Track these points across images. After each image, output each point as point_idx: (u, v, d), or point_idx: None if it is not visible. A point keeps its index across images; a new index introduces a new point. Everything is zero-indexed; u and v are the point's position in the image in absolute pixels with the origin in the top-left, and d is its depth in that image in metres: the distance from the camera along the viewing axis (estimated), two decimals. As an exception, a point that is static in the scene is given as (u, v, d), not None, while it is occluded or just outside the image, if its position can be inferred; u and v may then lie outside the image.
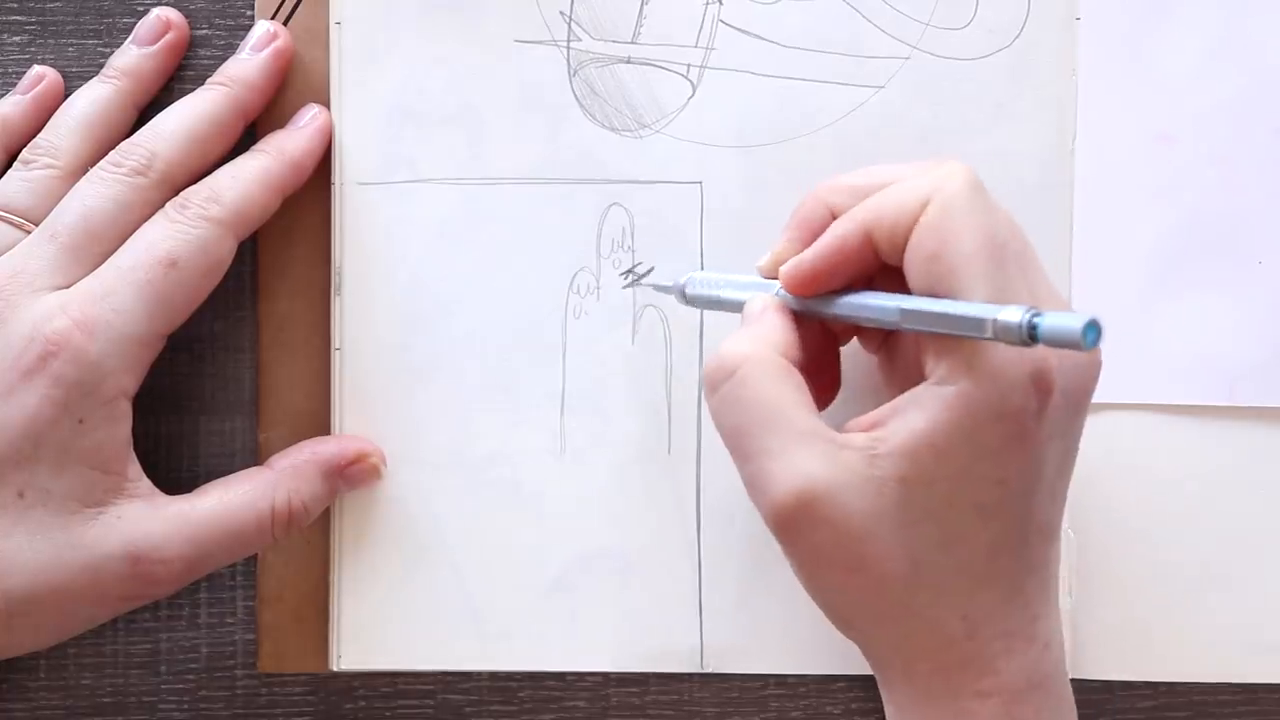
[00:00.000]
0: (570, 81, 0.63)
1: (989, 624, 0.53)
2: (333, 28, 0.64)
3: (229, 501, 0.60)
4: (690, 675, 0.65)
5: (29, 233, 0.60)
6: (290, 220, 0.63)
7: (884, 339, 0.58)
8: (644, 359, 0.63)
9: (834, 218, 0.55)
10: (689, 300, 0.60)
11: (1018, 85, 0.63)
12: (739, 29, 0.63)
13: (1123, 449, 0.63)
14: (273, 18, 0.64)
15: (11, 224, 0.61)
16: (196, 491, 0.61)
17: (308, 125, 0.63)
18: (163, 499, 0.60)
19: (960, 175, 0.52)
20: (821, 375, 0.57)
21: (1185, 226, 0.63)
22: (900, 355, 0.57)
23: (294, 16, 0.64)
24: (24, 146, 0.63)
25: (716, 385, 0.54)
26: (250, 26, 0.64)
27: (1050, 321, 0.47)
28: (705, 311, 0.63)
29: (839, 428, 0.53)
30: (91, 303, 0.58)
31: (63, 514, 0.58)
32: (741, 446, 0.53)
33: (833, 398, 0.59)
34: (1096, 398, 0.62)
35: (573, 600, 0.64)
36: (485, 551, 0.64)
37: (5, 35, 0.65)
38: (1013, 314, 0.48)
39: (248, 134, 0.63)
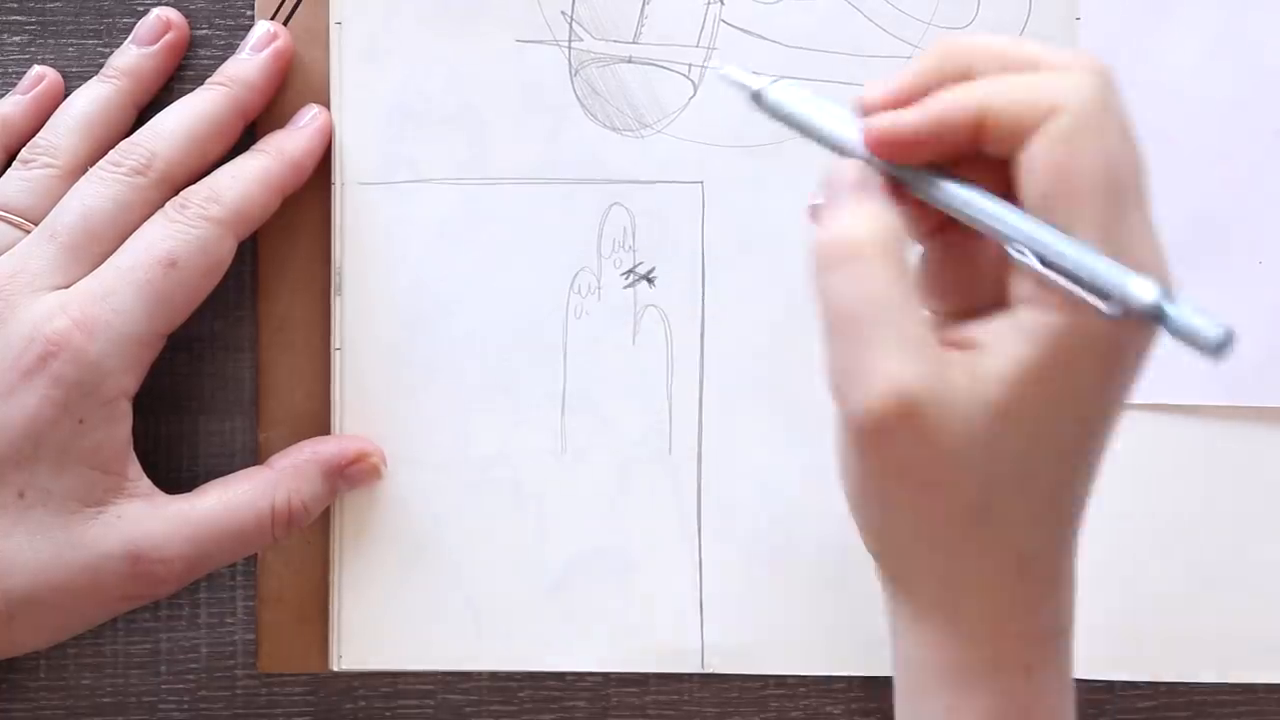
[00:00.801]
0: (571, 81, 0.63)
1: (1039, 563, 0.51)
2: (333, 28, 0.64)
3: (229, 501, 0.60)
4: (690, 675, 0.65)
5: (28, 232, 0.60)
6: (290, 220, 0.63)
7: (944, 228, 0.53)
8: (645, 359, 0.63)
9: (958, 80, 0.50)
10: (767, 108, 0.53)
11: (1018, 85, 0.63)
12: (740, 29, 0.63)
13: (1123, 449, 0.63)
14: (273, 18, 0.64)
15: (11, 224, 0.61)
16: (196, 491, 0.61)
17: (308, 125, 0.63)
18: (163, 498, 0.60)
19: (1096, 84, 0.49)
20: None
21: (1185, 226, 0.63)
22: (971, 246, 0.52)
23: (294, 16, 0.64)
24: (24, 146, 0.63)
25: (837, 265, 0.49)
26: (250, 26, 0.64)
27: (1184, 317, 0.45)
28: (707, 310, 0.63)
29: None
30: (91, 302, 0.58)
31: (63, 514, 0.58)
32: (850, 333, 0.49)
33: None
34: (1097, 398, 0.62)
35: (573, 600, 0.64)
36: (485, 551, 0.64)
37: (5, 35, 0.65)
38: (1144, 289, 0.45)
39: (248, 134, 0.63)
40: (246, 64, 0.63)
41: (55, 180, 0.61)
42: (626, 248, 0.63)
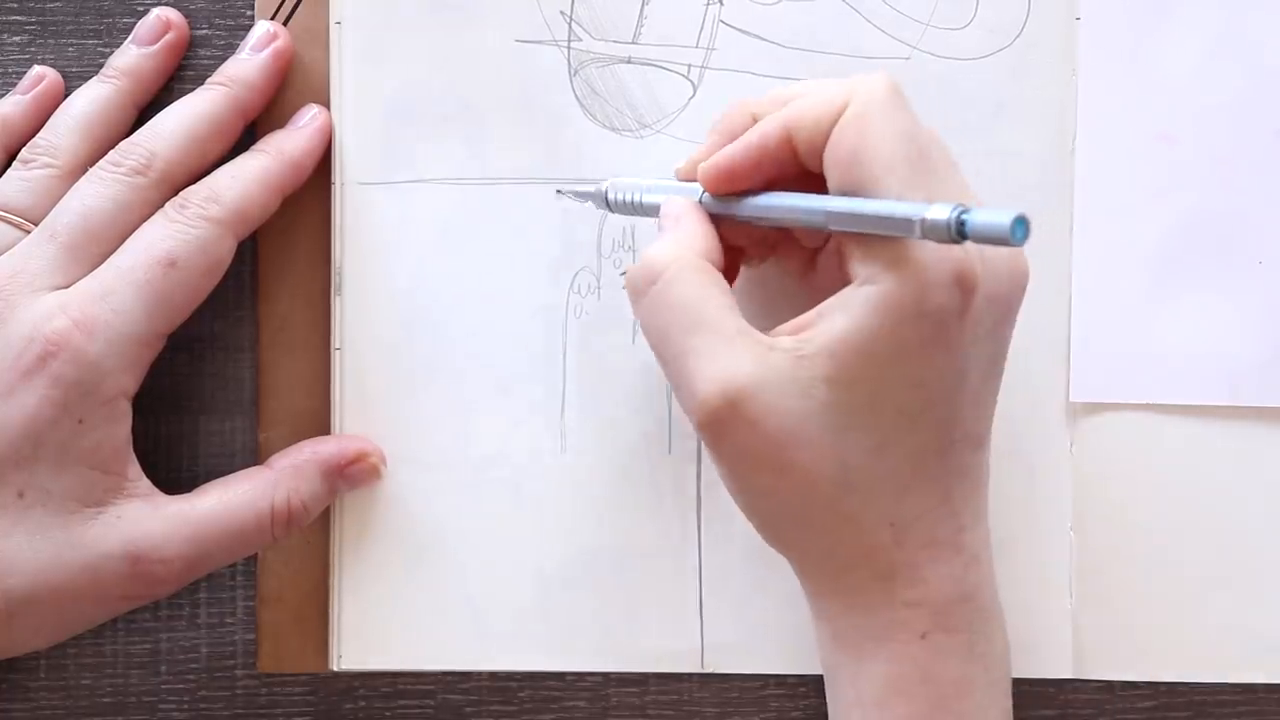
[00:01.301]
0: (571, 81, 0.63)
1: (916, 532, 0.53)
2: (333, 28, 0.64)
3: (229, 501, 0.60)
4: (690, 675, 0.65)
5: (28, 232, 0.60)
6: (290, 220, 0.63)
7: (806, 257, 0.58)
8: (644, 359, 0.63)
9: (755, 123, 0.55)
10: (611, 206, 0.60)
11: (1018, 85, 0.63)
12: (739, 29, 0.63)
13: (1123, 449, 0.63)
14: (273, 18, 0.64)
15: (11, 224, 0.61)
16: (196, 491, 0.61)
17: (307, 125, 0.63)
18: (162, 498, 0.60)
19: (880, 81, 0.53)
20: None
21: (1185, 226, 0.63)
22: (823, 272, 0.57)
23: (294, 16, 0.64)
24: (24, 146, 0.63)
25: (643, 290, 0.54)
26: (250, 26, 0.64)
27: (979, 217, 0.47)
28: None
29: (767, 333, 0.52)
30: (91, 302, 0.58)
31: (62, 514, 0.58)
32: (668, 348, 0.53)
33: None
34: (1096, 398, 0.62)
35: (573, 600, 0.64)
36: (485, 551, 0.64)
37: (5, 35, 0.65)
38: (940, 211, 0.48)
39: (248, 134, 0.63)
40: (246, 64, 0.63)
41: (55, 180, 0.61)
42: (626, 248, 0.63)
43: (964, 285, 0.51)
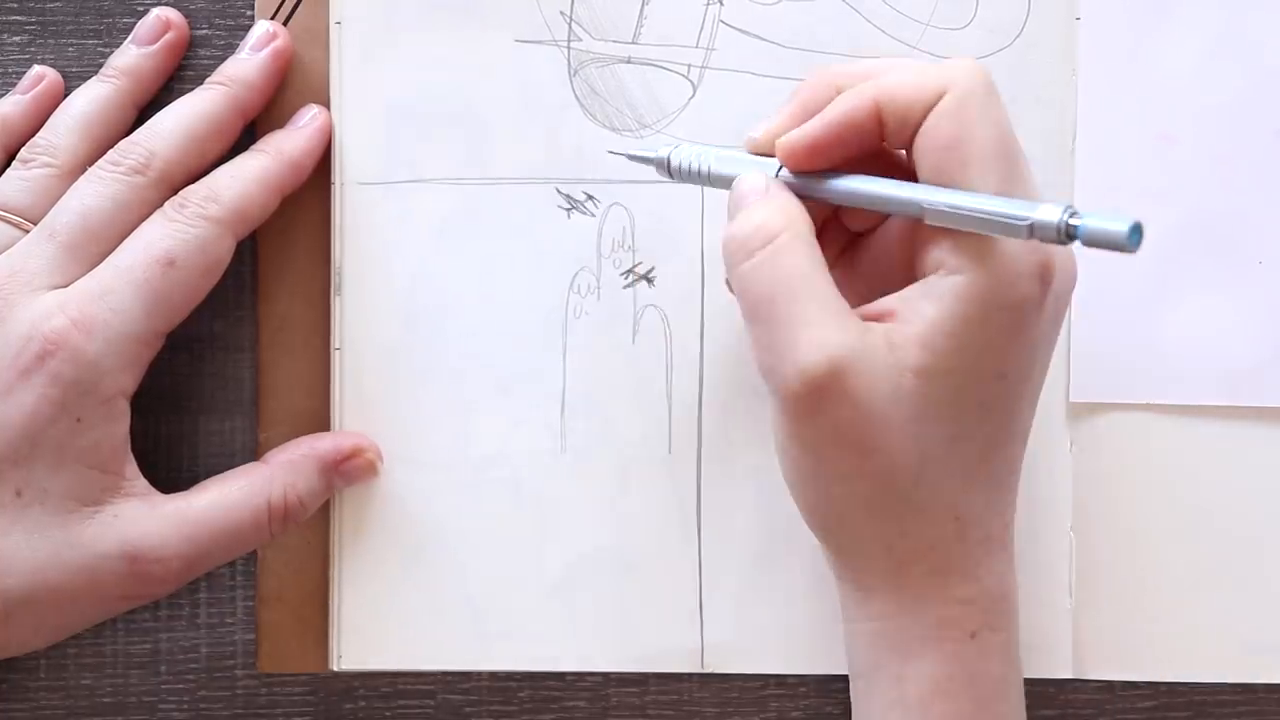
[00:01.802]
0: (571, 81, 0.63)
1: (975, 526, 0.54)
2: (333, 28, 0.64)
3: (226, 498, 0.60)
4: (690, 675, 0.65)
5: (27, 232, 0.60)
6: (290, 220, 0.63)
7: (847, 240, 0.58)
8: (644, 358, 0.63)
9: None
10: (673, 173, 0.58)
11: (1018, 85, 0.63)
12: (739, 29, 0.63)
13: (1123, 449, 0.63)
14: (273, 18, 0.64)
15: (10, 223, 0.61)
16: (193, 489, 0.61)
17: (307, 125, 0.63)
18: (159, 498, 0.60)
19: (978, 70, 0.52)
20: None
21: (1185, 226, 0.63)
22: (872, 256, 0.57)
23: (294, 16, 0.64)
24: (23, 146, 0.63)
25: (751, 251, 0.53)
26: (250, 26, 0.64)
27: (1093, 222, 0.47)
28: (707, 310, 0.63)
29: None
30: (89, 301, 0.58)
31: (60, 513, 0.58)
32: (772, 313, 0.52)
33: None
34: (1097, 398, 0.63)
35: (573, 600, 0.64)
36: (485, 551, 0.64)
37: (5, 35, 0.65)
38: (1050, 213, 0.48)
39: (247, 134, 0.63)
40: (245, 63, 0.63)
41: (55, 180, 0.61)
42: (626, 247, 0.63)
43: (1045, 278, 0.51)
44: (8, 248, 0.60)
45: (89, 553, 0.58)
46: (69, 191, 0.60)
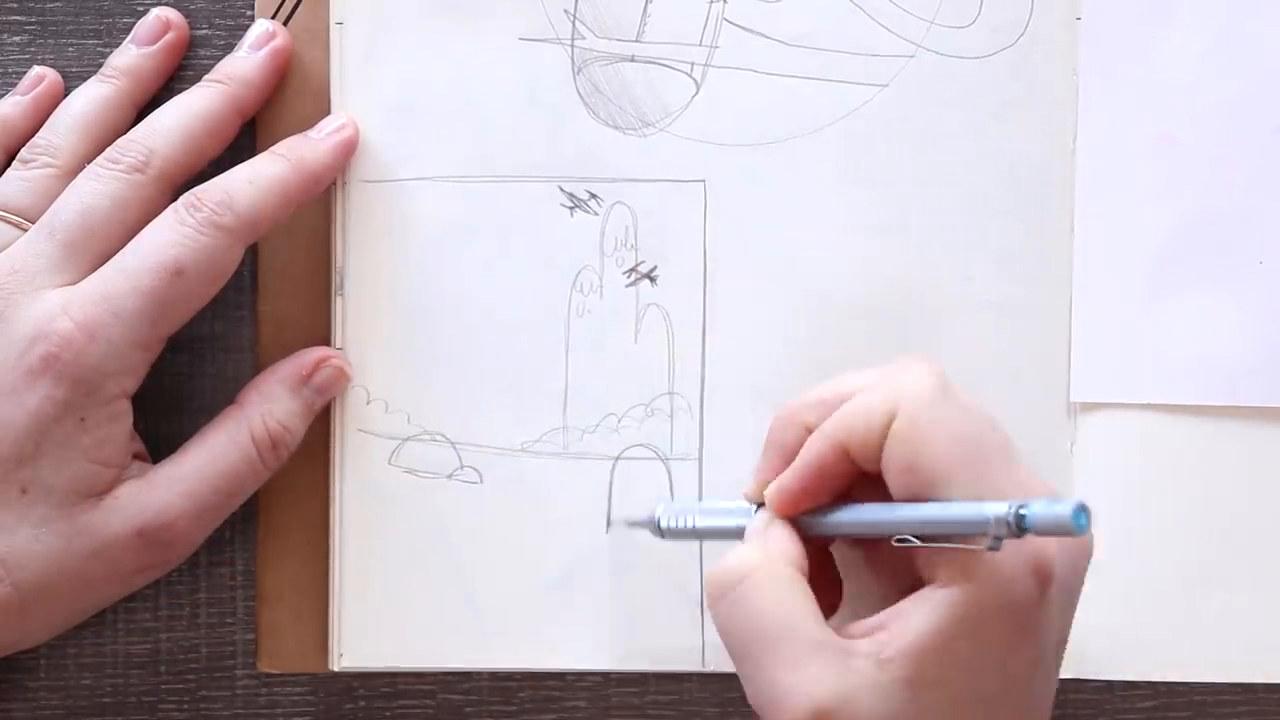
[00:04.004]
0: (574, 79, 0.63)
1: None
2: (334, 27, 0.64)
3: (211, 447, 0.61)
4: (690, 675, 0.65)
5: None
6: (291, 220, 0.63)
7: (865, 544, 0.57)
8: (646, 358, 0.63)
9: (808, 433, 0.55)
10: (665, 534, 0.59)
11: (1021, 84, 0.63)
12: (743, 27, 0.63)
13: (1123, 449, 0.63)
14: (273, 18, 0.64)
15: (10, 223, 0.61)
16: (179, 451, 0.61)
17: (332, 136, 0.62)
18: (152, 469, 0.60)
19: (924, 379, 0.52)
20: (825, 583, 0.56)
21: (1186, 226, 0.63)
22: (886, 550, 0.56)
23: (294, 16, 0.64)
24: (24, 146, 0.63)
25: (724, 593, 0.53)
26: (250, 27, 0.64)
27: (1037, 510, 0.48)
28: (709, 309, 0.63)
29: (840, 630, 0.52)
30: (94, 304, 0.58)
31: (65, 505, 0.58)
32: (751, 656, 0.52)
33: (838, 603, 0.57)
34: (1097, 398, 0.63)
35: (573, 600, 0.63)
36: (486, 551, 0.64)
37: (5, 35, 0.65)
38: (998, 508, 0.48)
39: (246, 132, 0.63)
40: (244, 62, 0.63)
41: (55, 180, 0.61)
42: (629, 246, 0.63)
43: (1041, 575, 0.50)
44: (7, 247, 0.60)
45: (99, 538, 0.58)
46: (68, 190, 0.60)
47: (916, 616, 0.50)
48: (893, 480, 0.52)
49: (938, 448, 0.51)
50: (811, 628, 0.51)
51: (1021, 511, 0.48)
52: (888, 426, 0.52)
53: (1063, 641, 0.54)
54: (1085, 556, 0.53)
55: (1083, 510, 0.47)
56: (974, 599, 0.50)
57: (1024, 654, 0.51)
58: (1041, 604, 0.51)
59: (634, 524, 0.61)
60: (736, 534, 0.56)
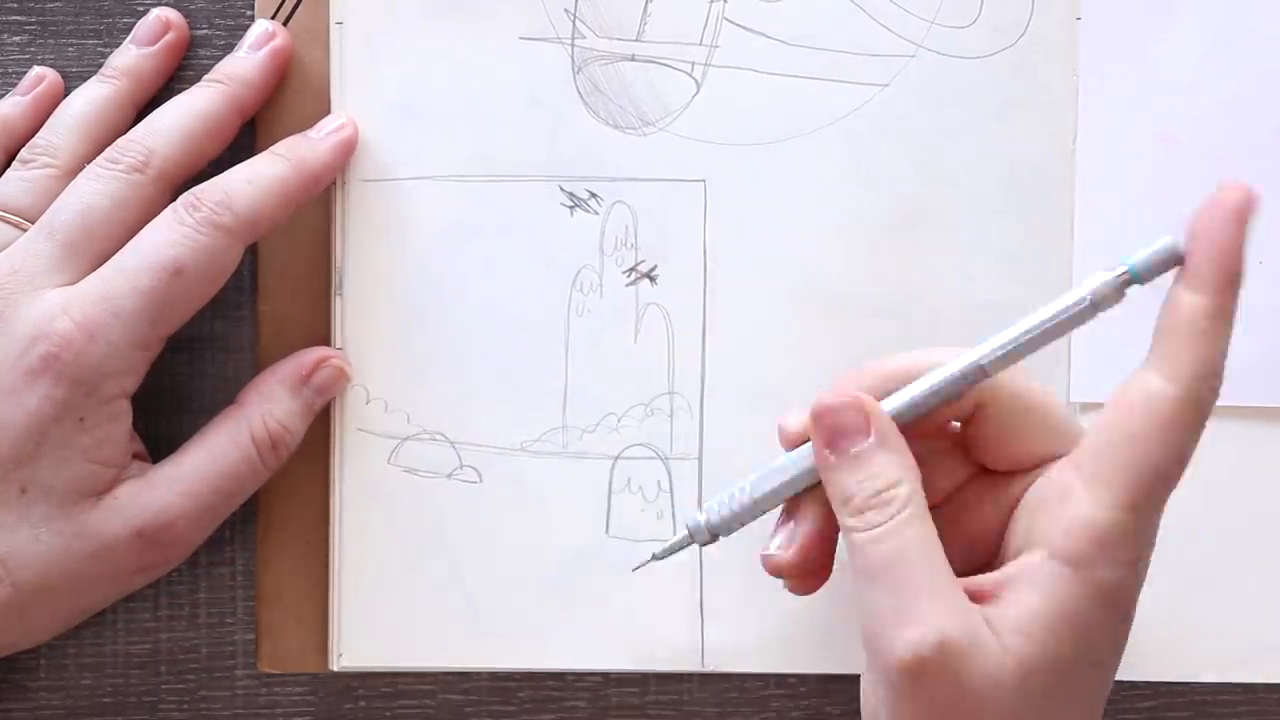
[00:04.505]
0: (574, 79, 0.63)
1: None
2: (334, 27, 0.64)
3: (211, 446, 0.61)
4: (690, 675, 0.65)
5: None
6: (291, 219, 0.63)
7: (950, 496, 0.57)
8: (646, 357, 0.63)
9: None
10: (718, 531, 0.56)
11: (1021, 84, 0.63)
12: (743, 27, 0.63)
13: (1123, 449, 0.63)
14: (273, 18, 0.64)
15: (10, 223, 0.61)
16: (179, 450, 0.61)
17: (331, 136, 0.62)
18: (151, 469, 0.60)
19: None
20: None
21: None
22: (965, 507, 0.57)
23: (294, 16, 0.64)
24: (23, 147, 0.63)
25: (878, 511, 0.52)
26: (250, 27, 0.64)
27: (1139, 257, 0.50)
28: (709, 309, 0.63)
29: None
30: (93, 304, 0.58)
31: (64, 505, 0.58)
32: (890, 580, 0.51)
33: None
34: (1097, 398, 0.63)
35: (573, 600, 0.63)
36: (485, 551, 0.64)
37: (5, 35, 0.65)
38: (1099, 277, 0.50)
39: (246, 132, 0.63)
40: (244, 62, 0.63)
41: (55, 180, 0.61)
42: (629, 245, 0.63)
43: (1132, 561, 0.51)
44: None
45: (98, 538, 0.58)
46: (67, 190, 0.60)
47: (1030, 591, 0.51)
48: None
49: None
50: (948, 569, 0.51)
51: (1126, 261, 0.49)
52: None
53: (1120, 656, 0.54)
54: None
55: (1176, 242, 0.48)
56: (1086, 583, 0.50)
57: (1115, 641, 0.52)
58: (1135, 589, 0.52)
59: (668, 552, 0.58)
60: (795, 485, 0.55)
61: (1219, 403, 0.62)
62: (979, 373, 0.52)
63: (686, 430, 0.63)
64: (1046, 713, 0.51)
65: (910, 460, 0.53)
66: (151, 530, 0.59)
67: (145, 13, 0.64)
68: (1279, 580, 0.63)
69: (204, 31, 0.65)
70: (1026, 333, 0.50)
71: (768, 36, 0.63)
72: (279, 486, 0.63)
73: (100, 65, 0.64)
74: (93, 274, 0.59)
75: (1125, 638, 0.53)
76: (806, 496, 0.55)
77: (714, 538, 0.56)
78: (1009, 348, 0.51)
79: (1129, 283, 0.48)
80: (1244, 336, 0.62)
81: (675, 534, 0.57)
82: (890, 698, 0.52)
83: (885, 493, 0.52)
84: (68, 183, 0.61)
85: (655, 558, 0.58)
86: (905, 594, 0.51)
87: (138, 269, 0.58)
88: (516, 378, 0.63)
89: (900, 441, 0.53)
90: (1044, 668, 0.50)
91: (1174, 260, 0.47)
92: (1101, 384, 0.63)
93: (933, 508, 0.53)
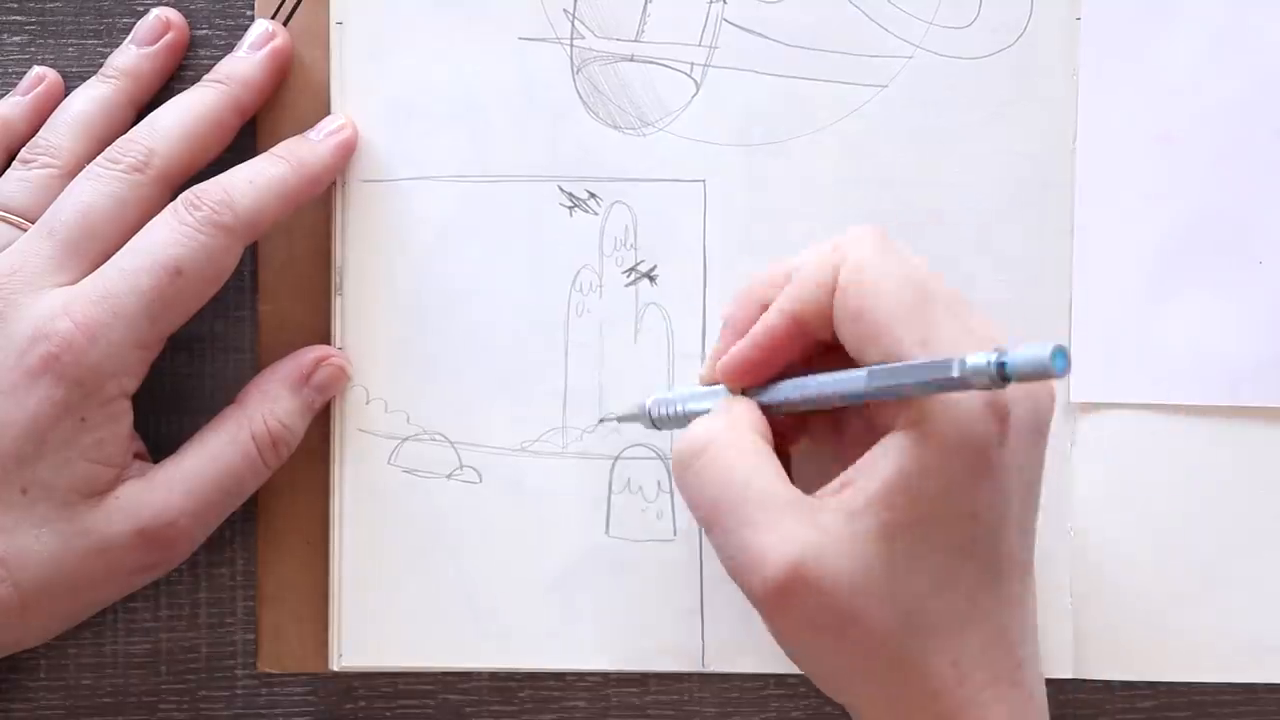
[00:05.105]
0: (574, 79, 0.63)
1: (978, 669, 0.53)
2: (334, 27, 0.64)
3: (212, 445, 0.61)
4: (690, 675, 0.65)
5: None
6: (290, 220, 0.63)
7: (832, 424, 0.58)
8: (646, 357, 0.63)
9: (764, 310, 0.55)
10: (655, 422, 0.60)
11: (1020, 85, 0.63)
12: (742, 28, 0.63)
13: (1123, 449, 0.63)
14: (273, 18, 0.64)
15: (10, 223, 0.61)
16: (180, 449, 0.61)
17: (331, 137, 0.63)
18: (152, 469, 0.60)
19: (865, 235, 0.53)
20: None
21: (1185, 226, 0.63)
22: (852, 437, 0.57)
23: (294, 16, 0.64)
24: (24, 147, 0.63)
25: (689, 462, 0.54)
26: (250, 27, 0.64)
27: (1018, 357, 0.47)
28: (709, 309, 0.63)
29: (807, 493, 0.52)
30: (93, 304, 0.58)
31: (65, 505, 0.58)
32: (720, 521, 0.53)
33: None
34: (1097, 398, 0.63)
35: (573, 600, 0.63)
36: (486, 550, 0.63)
37: (5, 35, 0.65)
38: (977, 359, 0.47)
39: (246, 132, 0.63)
40: (244, 62, 0.63)
41: (55, 180, 0.61)
42: (628, 246, 0.63)
43: (998, 412, 0.51)
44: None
45: (100, 538, 0.58)
46: (67, 189, 0.60)
47: (881, 463, 0.51)
48: (844, 336, 0.52)
49: (883, 295, 0.51)
50: (779, 489, 0.52)
51: (1002, 360, 0.47)
52: (834, 282, 0.52)
53: (1032, 489, 0.54)
54: (1048, 398, 0.53)
55: (1061, 352, 0.46)
56: (934, 436, 0.50)
57: (988, 496, 0.52)
58: (1001, 443, 0.51)
59: (624, 418, 0.62)
60: (699, 408, 0.58)
61: (1218, 403, 0.63)
62: (862, 391, 0.52)
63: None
64: (929, 572, 0.52)
65: (734, 416, 0.54)
66: (152, 530, 0.59)
67: (145, 13, 0.64)
68: (1279, 580, 0.63)
69: (204, 31, 0.65)
70: (908, 378, 0.50)
71: (767, 37, 0.63)
72: (279, 486, 0.63)
73: (100, 65, 0.64)
74: (93, 274, 0.59)
75: (1006, 487, 0.52)
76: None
77: (653, 423, 0.60)
78: (891, 389, 0.51)
79: (1001, 380, 0.47)
80: (1243, 336, 0.63)
81: (637, 406, 0.61)
82: (770, 623, 0.53)
83: (694, 445, 0.54)
84: (68, 182, 0.61)
85: (603, 419, 0.64)
86: (739, 529, 0.52)
87: (138, 269, 0.58)
88: (516, 378, 0.63)
89: (732, 407, 0.55)
90: (908, 529, 0.51)
91: (1045, 374, 0.46)
92: (1101, 384, 0.63)
93: (832, 439, 0.56)
